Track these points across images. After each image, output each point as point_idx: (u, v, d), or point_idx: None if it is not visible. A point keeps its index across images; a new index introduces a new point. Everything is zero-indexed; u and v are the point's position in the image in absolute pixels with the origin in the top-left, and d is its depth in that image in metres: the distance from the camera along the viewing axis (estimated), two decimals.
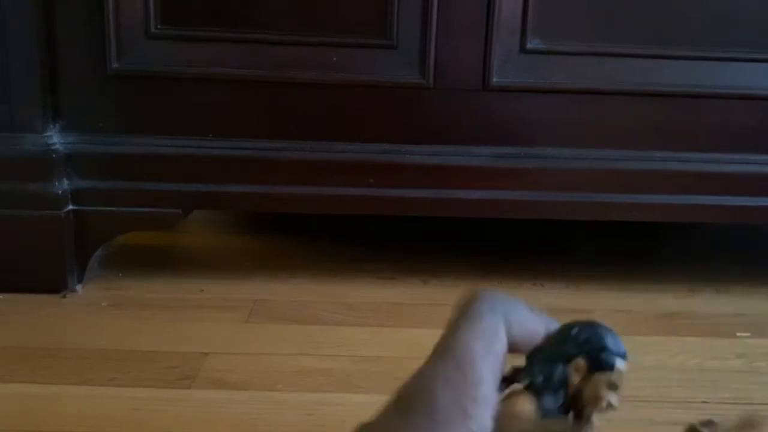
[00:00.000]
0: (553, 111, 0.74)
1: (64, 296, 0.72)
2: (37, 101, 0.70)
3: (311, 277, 0.79)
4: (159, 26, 0.70)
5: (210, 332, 0.66)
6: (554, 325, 0.30)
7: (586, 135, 0.75)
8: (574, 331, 0.29)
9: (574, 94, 0.73)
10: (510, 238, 0.95)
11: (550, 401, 0.28)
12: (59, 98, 0.71)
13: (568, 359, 0.28)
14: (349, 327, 0.68)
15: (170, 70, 0.71)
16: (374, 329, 0.68)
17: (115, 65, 0.70)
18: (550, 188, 0.75)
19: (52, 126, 0.71)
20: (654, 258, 0.93)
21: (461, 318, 0.29)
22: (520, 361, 0.30)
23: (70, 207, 0.72)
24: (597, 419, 0.28)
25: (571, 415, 0.28)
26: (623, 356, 0.28)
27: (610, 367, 0.28)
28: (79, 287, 0.74)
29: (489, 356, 0.28)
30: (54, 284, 0.72)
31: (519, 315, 0.30)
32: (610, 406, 0.28)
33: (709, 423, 0.28)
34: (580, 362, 0.28)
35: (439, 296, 0.76)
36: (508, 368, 0.29)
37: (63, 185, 0.72)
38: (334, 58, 0.71)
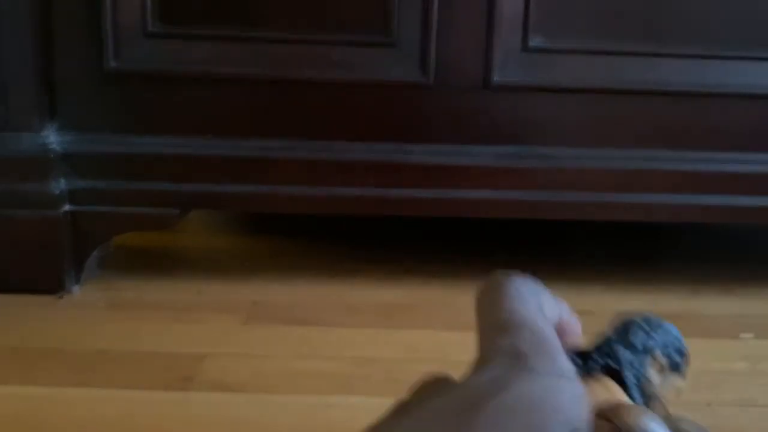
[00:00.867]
0: (554, 110, 0.73)
1: (61, 297, 0.72)
2: (33, 100, 0.70)
3: (311, 278, 0.79)
4: (157, 25, 0.70)
5: (208, 334, 0.66)
6: (566, 308, 0.29)
7: (587, 134, 0.74)
8: (649, 323, 0.27)
9: (576, 93, 0.73)
10: (510, 238, 0.95)
11: (638, 394, 0.26)
12: (56, 97, 0.71)
13: (648, 354, 0.27)
14: (349, 328, 0.67)
15: (168, 69, 0.71)
16: (374, 330, 0.67)
17: (112, 64, 0.70)
18: (551, 188, 0.74)
19: (48, 125, 0.71)
20: (656, 258, 0.93)
21: (500, 296, 0.27)
22: None
23: (67, 207, 0.72)
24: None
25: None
26: (685, 354, 0.28)
27: (682, 370, 0.27)
28: (76, 288, 0.73)
29: (551, 330, 0.26)
30: (51, 285, 0.72)
31: (546, 297, 0.29)
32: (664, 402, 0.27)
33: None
34: (661, 359, 0.27)
35: (440, 297, 0.75)
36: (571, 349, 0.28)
37: (60, 185, 0.71)
38: (334, 57, 0.71)
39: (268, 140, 0.73)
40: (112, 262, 0.81)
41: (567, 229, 0.97)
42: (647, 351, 0.27)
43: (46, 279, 0.72)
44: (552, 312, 0.28)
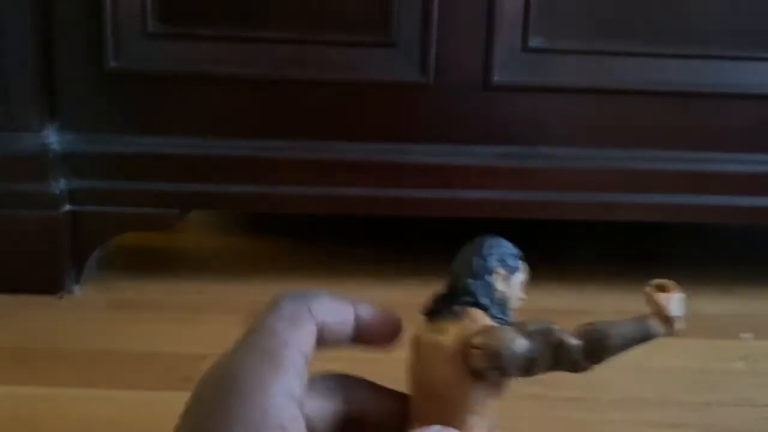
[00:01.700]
0: (554, 110, 0.73)
1: (61, 297, 0.72)
2: (33, 100, 0.70)
3: (311, 278, 0.79)
4: (157, 25, 0.70)
5: (208, 334, 0.65)
6: (365, 307, 0.31)
7: (587, 134, 0.74)
8: (482, 247, 0.31)
9: (577, 93, 0.73)
10: (510, 238, 0.94)
11: (500, 312, 0.30)
12: (56, 97, 0.71)
13: (492, 273, 0.30)
14: None
15: (168, 69, 0.71)
16: None
17: (112, 64, 0.70)
18: (551, 188, 0.74)
19: (48, 125, 0.71)
20: (655, 258, 0.93)
21: (262, 312, 0.29)
22: None
23: (67, 207, 0.72)
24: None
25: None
26: (519, 256, 0.32)
27: (520, 268, 0.31)
28: (76, 288, 0.73)
29: (294, 330, 0.27)
30: (51, 285, 0.72)
31: (323, 300, 0.29)
32: (522, 300, 0.31)
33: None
34: (502, 271, 0.30)
35: None
36: (429, 298, 0.31)
37: (60, 185, 0.71)
38: (334, 57, 0.71)
39: (268, 140, 0.73)
40: (112, 263, 0.81)
41: (567, 229, 0.97)
42: (489, 272, 0.30)
43: (46, 279, 0.72)
44: (330, 313, 0.29)
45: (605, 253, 0.92)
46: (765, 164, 0.75)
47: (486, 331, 0.28)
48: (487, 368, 0.27)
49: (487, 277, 0.30)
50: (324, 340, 0.29)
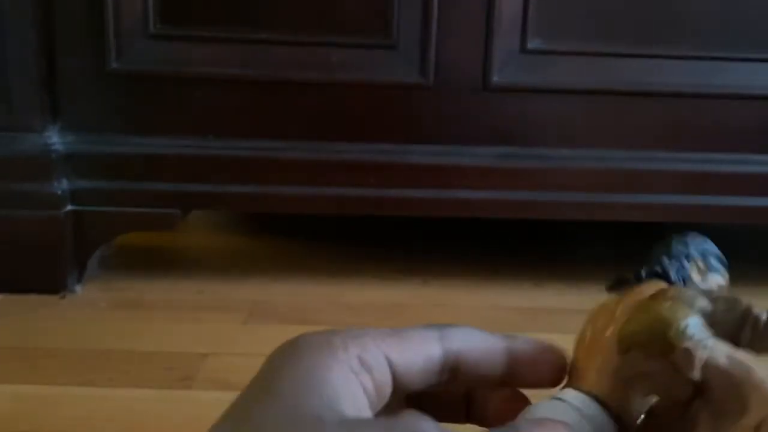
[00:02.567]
0: (553, 111, 0.74)
1: (63, 297, 0.72)
2: (36, 101, 0.70)
3: (310, 278, 0.79)
4: (158, 26, 0.70)
5: (209, 333, 0.66)
6: (521, 340, 0.28)
7: (586, 135, 0.74)
8: (687, 237, 0.31)
9: (575, 94, 0.73)
10: (510, 238, 0.95)
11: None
12: (58, 98, 0.71)
13: (690, 260, 0.30)
14: None
15: (169, 69, 0.71)
16: None
17: (114, 65, 0.70)
18: (550, 188, 0.75)
19: (51, 126, 0.71)
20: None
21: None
22: None
23: (70, 207, 0.72)
24: None
25: None
26: (723, 262, 0.31)
27: (722, 272, 0.31)
28: (78, 288, 0.74)
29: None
30: (53, 285, 0.72)
31: (460, 328, 0.26)
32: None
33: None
34: (700, 263, 0.30)
35: (439, 296, 0.75)
36: (615, 277, 0.30)
37: (62, 185, 0.71)
38: (334, 59, 0.71)
39: (268, 140, 0.73)
40: (113, 262, 0.81)
41: (566, 229, 0.97)
42: (688, 258, 0.30)
43: (48, 279, 0.72)
44: (464, 341, 0.26)
45: (605, 253, 0.92)
46: (765, 164, 0.75)
47: (668, 290, 0.27)
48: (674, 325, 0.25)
49: (683, 261, 0.30)
50: (462, 374, 0.25)
